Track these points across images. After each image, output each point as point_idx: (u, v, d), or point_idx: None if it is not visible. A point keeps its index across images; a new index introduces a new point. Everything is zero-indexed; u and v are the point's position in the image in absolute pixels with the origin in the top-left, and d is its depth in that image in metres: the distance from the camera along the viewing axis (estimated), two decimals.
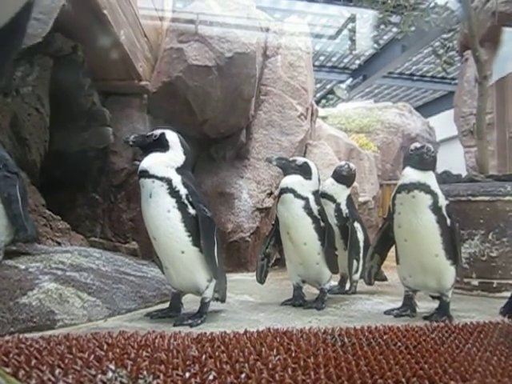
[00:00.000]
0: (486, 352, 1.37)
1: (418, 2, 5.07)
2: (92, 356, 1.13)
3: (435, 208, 2.14)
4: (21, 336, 1.34)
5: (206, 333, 1.51)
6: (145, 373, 1.05)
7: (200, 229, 1.97)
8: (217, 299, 2.22)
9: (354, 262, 2.88)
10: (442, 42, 5.96)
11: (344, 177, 3.04)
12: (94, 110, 3.86)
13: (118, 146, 3.94)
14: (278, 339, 1.41)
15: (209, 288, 2.07)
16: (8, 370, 1.02)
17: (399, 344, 1.40)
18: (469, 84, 6.02)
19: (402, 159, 2.36)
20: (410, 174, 2.19)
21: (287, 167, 2.55)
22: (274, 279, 3.44)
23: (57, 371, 1.02)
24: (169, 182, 1.98)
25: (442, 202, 2.16)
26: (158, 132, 2.10)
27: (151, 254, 2.28)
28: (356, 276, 2.99)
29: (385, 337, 1.50)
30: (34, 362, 1.07)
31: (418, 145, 2.27)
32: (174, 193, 1.97)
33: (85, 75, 3.68)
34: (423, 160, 2.20)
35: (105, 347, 1.24)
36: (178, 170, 2.03)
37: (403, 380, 1.05)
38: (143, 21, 3.93)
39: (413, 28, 5.27)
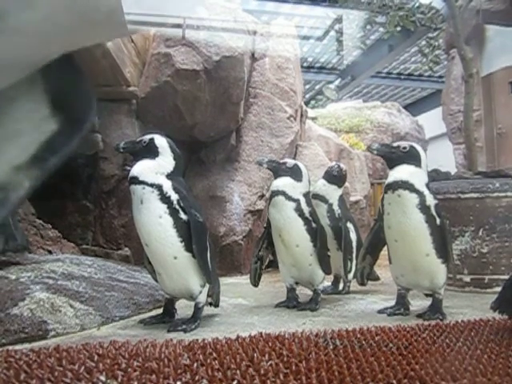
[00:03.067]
0: (476, 350, 1.38)
1: (403, 2, 5.12)
2: (82, 368, 1.12)
3: (423, 207, 2.14)
4: (10, 349, 1.32)
5: (197, 340, 1.50)
6: (136, 383, 1.04)
7: (192, 234, 1.97)
8: (210, 304, 2.21)
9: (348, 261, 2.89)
10: (428, 41, 6.02)
11: (335, 177, 3.05)
12: None
13: (108, 152, 3.91)
14: (270, 344, 1.41)
15: (202, 293, 2.06)
16: None
17: (391, 345, 1.41)
18: (456, 82, 6.07)
19: None
20: (393, 174, 2.21)
21: (278, 169, 2.56)
22: (267, 281, 3.43)
23: None
24: (159, 187, 1.97)
25: (430, 201, 2.17)
26: (147, 138, 2.07)
27: (144, 260, 2.27)
28: (349, 276, 2.99)
29: (376, 338, 1.51)
30: (23, 376, 1.06)
31: (384, 145, 2.28)
32: (165, 198, 1.96)
33: None
34: (395, 157, 2.22)
35: (95, 358, 1.23)
36: (169, 176, 2.03)
37: (394, 382, 1.06)
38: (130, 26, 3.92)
39: (399, 28, 5.31)
